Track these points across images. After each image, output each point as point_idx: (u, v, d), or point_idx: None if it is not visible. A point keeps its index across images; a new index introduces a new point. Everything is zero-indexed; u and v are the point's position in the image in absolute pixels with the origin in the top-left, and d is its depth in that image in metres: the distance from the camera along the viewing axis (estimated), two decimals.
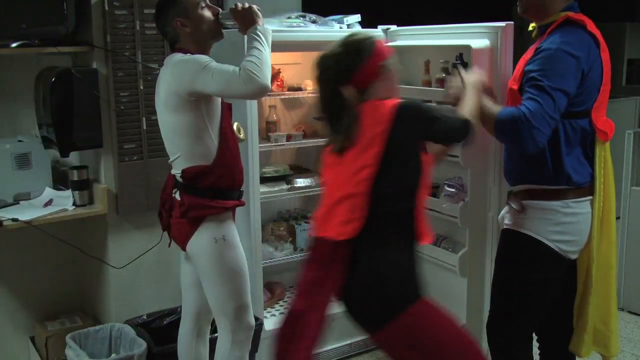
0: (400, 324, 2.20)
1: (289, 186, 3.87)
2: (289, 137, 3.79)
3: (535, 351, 2.80)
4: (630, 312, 4.08)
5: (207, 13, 2.66)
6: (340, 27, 3.72)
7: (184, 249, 2.76)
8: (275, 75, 3.78)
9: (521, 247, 2.56)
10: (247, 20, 2.62)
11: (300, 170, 4.12)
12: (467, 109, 2.39)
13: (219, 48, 2.79)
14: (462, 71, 2.62)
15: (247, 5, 2.63)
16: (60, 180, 3.46)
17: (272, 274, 4.09)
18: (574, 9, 2.51)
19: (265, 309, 3.73)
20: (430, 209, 3.39)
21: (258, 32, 2.57)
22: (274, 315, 3.81)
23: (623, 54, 7.76)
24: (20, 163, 3.28)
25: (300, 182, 3.89)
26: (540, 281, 2.57)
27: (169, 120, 2.63)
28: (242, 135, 3.16)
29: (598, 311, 2.64)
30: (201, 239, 2.66)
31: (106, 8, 3.12)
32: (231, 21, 2.67)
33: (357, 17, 3.79)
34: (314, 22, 3.68)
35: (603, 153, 2.52)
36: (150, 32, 3.24)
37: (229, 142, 2.68)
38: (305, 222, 4.04)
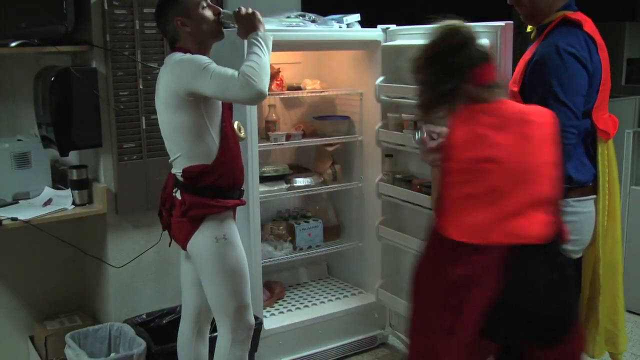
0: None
1: (288, 185, 3.87)
2: (288, 137, 3.79)
3: None
4: (629, 311, 4.07)
5: (208, 13, 2.66)
6: (340, 27, 3.72)
7: (184, 248, 2.76)
8: (275, 75, 3.78)
9: None
10: (249, 25, 2.61)
11: (299, 169, 4.12)
12: None
13: (218, 48, 2.79)
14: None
15: (250, 10, 2.63)
16: (59, 180, 3.46)
17: (271, 273, 4.09)
18: (571, 7, 2.51)
19: (264, 308, 3.73)
20: (429, 208, 3.39)
21: (259, 38, 2.57)
22: (273, 314, 3.81)
23: (622, 53, 7.75)
24: (20, 162, 3.28)
25: (300, 181, 3.90)
26: None
27: (169, 120, 2.63)
28: (242, 134, 3.16)
29: (607, 310, 2.64)
30: (202, 238, 2.66)
31: (105, 7, 3.12)
32: (233, 22, 2.67)
33: (356, 17, 3.79)
34: (313, 21, 3.69)
35: (606, 151, 2.52)
36: (150, 32, 3.24)
37: (229, 141, 2.68)
38: (305, 222, 4.04)
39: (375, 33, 3.70)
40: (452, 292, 2.12)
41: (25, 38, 3.07)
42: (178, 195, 2.71)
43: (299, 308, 3.91)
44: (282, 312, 3.86)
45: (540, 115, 2.13)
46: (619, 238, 2.63)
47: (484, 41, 3.04)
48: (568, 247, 2.50)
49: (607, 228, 2.58)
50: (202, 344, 2.97)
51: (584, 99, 2.40)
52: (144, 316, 3.38)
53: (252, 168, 3.39)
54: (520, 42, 2.84)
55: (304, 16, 3.71)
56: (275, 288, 4.02)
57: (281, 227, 3.96)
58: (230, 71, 2.48)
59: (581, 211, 2.50)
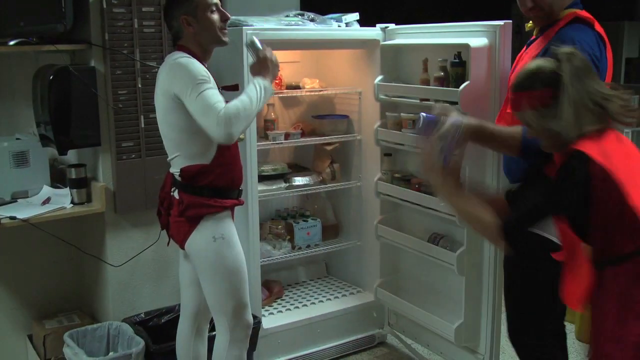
0: None
1: (287, 184, 3.87)
2: (287, 136, 3.79)
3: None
4: None
5: (215, 17, 2.65)
6: (339, 26, 3.72)
7: (182, 247, 2.76)
8: None
9: (537, 250, 2.50)
10: (262, 69, 2.62)
11: (298, 168, 4.12)
12: None
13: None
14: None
15: (274, 59, 2.64)
16: (58, 179, 3.46)
17: (270, 272, 4.09)
18: (579, 5, 2.51)
19: (263, 308, 3.73)
20: (428, 208, 3.40)
21: (262, 86, 2.57)
22: (272, 313, 3.81)
23: (621, 52, 7.77)
24: (18, 161, 3.28)
25: (298, 180, 3.90)
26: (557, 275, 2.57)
27: (167, 119, 2.63)
28: (242, 135, 3.16)
29: None
30: (200, 238, 2.66)
31: (104, 6, 3.12)
32: (253, 55, 2.67)
33: (355, 16, 3.79)
34: (312, 20, 3.69)
35: None
36: (149, 30, 3.24)
37: None
38: (304, 221, 4.04)
39: (374, 32, 3.70)
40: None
41: (24, 37, 3.06)
42: (176, 194, 2.71)
43: (297, 307, 3.91)
44: (280, 311, 3.86)
45: None
46: None
47: (483, 40, 3.06)
48: None
49: None
50: (201, 343, 2.97)
51: None
52: (143, 315, 3.38)
53: (251, 167, 3.39)
54: (519, 41, 2.84)
55: (302, 15, 3.72)
56: (273, 287, 4.02)
57: (280, 226, 3.96)
58: (216, 100, 2.48)
59: None
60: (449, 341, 3.39)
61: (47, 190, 3.34)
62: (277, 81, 3.80)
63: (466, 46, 3.07)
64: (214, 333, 2.83)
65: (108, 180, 3.30)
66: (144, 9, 3.21)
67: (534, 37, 2.69)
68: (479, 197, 2.23)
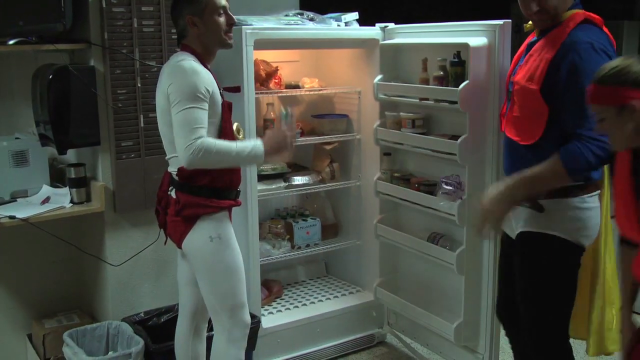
0: None
1: (287, 184, 3.87)
2: None
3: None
4: (633, 312, 4.07)
5: (222, 20, 2.64)
6: (338, 25, 3.73)
7: (179, 247, 2.75)
8: (273, 73, 3.78)
9: (551, 251, 2.52)
10: (278, 141, 2.62)
11: (297, 168, 4.12)
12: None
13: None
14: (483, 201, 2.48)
15: (289, 140, 2.65)
16: (57, 178, 3.46)
17: (269, 271, 4.09)
18: (579, 5, 2.51)
19: (262, 307, 3.73)
20: (427, 207, 3.40)
21: (256, 154, 2.56)
22: (271, 313, 3.81)
23: (621, 52, 7.79)
24: (18, 160, 3.27)
25: (298, 179, 3.89)
26: (573, 276, 2.57)
27: (166, 119, 2.62)
28: (241, 136, 3.17)
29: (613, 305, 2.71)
30: (196, 238, 2.66)
31: (103, 5, 3.12)
32: (271, 123, 2.69)
33: (354, 15, 3.80)
34: (311, 19, 3.69)
35: None
36: (148, 30, 3.24)
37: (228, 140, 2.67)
38: (303, 220, 4.04)
39: (373, 31, 3.70)
40: None
41: (24, 36, 3.06)
42: (173, 194, 2.70)
43: (297, 306, 3.91)
44: (280, 311, 3.86)
45: None
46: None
47: (482, 40, 3.06)
48: (584, 243, 2.53)
49: (607, 222, 2.61)
50: (200, 343, 2.97)
51: None
52: (142, 314, 3.38)
53: (250, 166, 3.39)
54: (519, 41, 2.84)
55: (302, 14, 3.72)
56: (273, 286, 4.02)
57: (279, 226, 3.96)
58: (200, 124, 2.48)
59: (593, 206, 2.52)
60: (449, 340, 3.39)
61: (46, 190, 3.34)
62: (276, 81, 3.80)
63: (465, 45, 3.07)
64: (212, 332, 2.83)
65: (107, 179, 3.30)
66: (143, 9, 3.21)
67: (531, 37, 2.68)
68: None
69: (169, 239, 2.82)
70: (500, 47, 3.02)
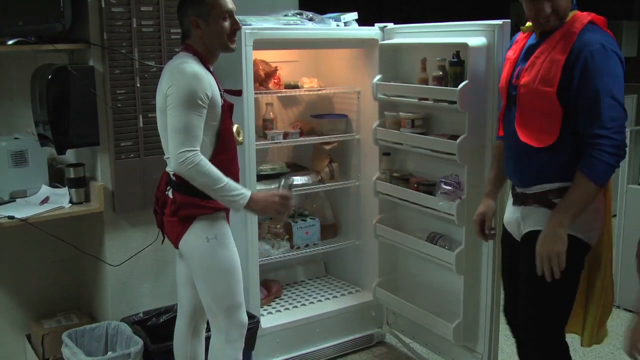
0: None
1: None
2: (285, 135, 3.79)
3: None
4: (626, 309, 4.09)
5: (226, 24, 2.63)
6: (337, 25, 3.73)
7: (176, 247, 2.75)
8: (272, 73, 3.78)
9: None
10: (270, 203, 2.61)
11: (297, 168, 4.12)
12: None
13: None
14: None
15: (282, 214, 2.65)
16: (56, 178, 3.46)
17: (268, 271, 4.09)
18: (576, 6, 2.53)
19: (261, 307, 3.73)
20: (427, 207, 3.40)
21: (238, 201, 2.54)
22: (270, 313, 3.81)
23: None
24: (17, 161, 3.27)
25: (297, 179, 3.89)
26: (578, 275, 2.60)
27: (164, 119, 2.61)
28: (240, 138, 3.16)
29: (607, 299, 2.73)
30: (193, 238, 2.66)
31: (103, 5, 3.12)
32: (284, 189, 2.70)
33: (354, 15, 3.80)
34: (310, 19, 3.69)
35: None
36: (147, 30, 3.23)
37: (225, 144, 2.67)
38: (302, 220, 4.04)
39: (372, 31, 3.70)
40: None
41: (23, 36, 3.05)
42: (170, 194, 2.70)
43: (296, 307, 3.91)
44: (279, 311, 3.86)
45: None
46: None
47: (481, 40, 3.06)
48: (593, 242, 2.56)
49: (607, 220, 2.63)
50: (199, 343, 2.97)
51: None
52: (141, 315, 3.38)
53: (250, 166, 3.39)
54: None
55: (301, 14, 3.72)
56: (272, 286, 4.02)
57: (278, 226, 3.95)
58: (195, 134, 2.49)
59: (600, 205, 2.56)
60: (448, 340, 3.39)
61: (45, 190, 3.34)
62: (275, 81, 3.80)
63: (465, 45, 3.07)
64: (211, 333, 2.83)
65: (107, 179, 3.30)
66: (142, 9, 3.21)
67: (523, 39, 2.67)
68: None
69: (166, 238, 2.82)
70: (499, 47, 3.02)
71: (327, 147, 4.07)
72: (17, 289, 3.52)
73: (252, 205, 2.57)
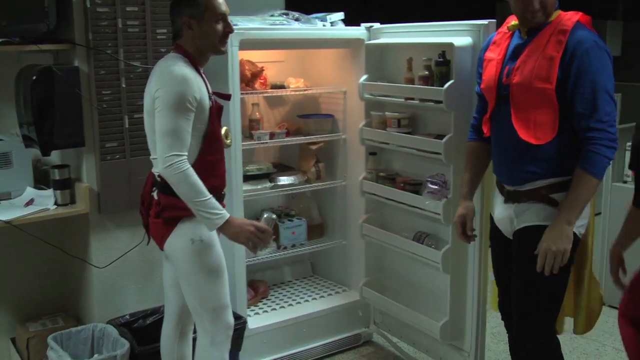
0: None
1: (272, 184, 3.86)
2: (272, 135, 3.79)
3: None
4: (611, 306, 4.11)
5: (219, 27, 2.61)
6: (324, 25, 3.73)
7: (161, 248, 2.73)
8: (259, 74, 3.77)
9: None
10: (238, 226, 2.56)
11: (283, 168, 4.12)
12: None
13: None
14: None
15: (259, 244, 2.62)
16: (41, 180, 3.43)
17: (255, 272, 4.09)
18: (559, 6, 2.56)
19: (248, 307, 3.72)
20: (413, 206, 3.41)
21: (216, 217, 2.50)
22: (257, 313, 3.81)
23: None
24: (1, 162, 3.24)
25: (284, 180, 3.89)
26: (570, 268, 2.64)
27: (151, 121, 2.59)
28: (228, 142, 3.16)
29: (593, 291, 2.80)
30: (178, 240, 2.64)
31: (88, 5, 3.10)
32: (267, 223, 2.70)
33: (340, 15, 3.80)
34: (297, 20, 3.69)
35: None
36: (133, 30, 3.22)
37: (212, 145, 2.65)
38: (289, 220, 4.04)
39: (358, 31, 3.70)
40: None
41: (6, 36, 3.03)
42: (155, 195, 2.68)
43: (283, 307, 3.91)
44: (266, 311, 3.86)
45: None
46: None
47: (467, 39, 3.07)
48: (581, 234, 2.59)
49: (592, 210, 2.68)
50: (186, 344, 2.95)
51: None
52: (128, 317, 3.36)
53: (236, 167, 3.38)
54: None
55: (287, 14, 3.72)
56: (259, 287, 4.01)
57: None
58: (183, 138, 2.48)
59: None
60: (435, 339, 3.40)
61: (30, 192, 3.31)
62: (261, 81, 3.79)
63: (450, 45, 3.08)
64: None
65: (92, 181, 3.28)
66: (128, 9, 3.19)
67: (506, 38, 2.68)
68: None
69: (151, 240, 2.81)
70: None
71: (314, 147, 4.07)
72: (1, 291, 3.49)
73: (226, 227, 2.53)
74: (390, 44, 3.63)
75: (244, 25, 3.37)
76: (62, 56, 3.28)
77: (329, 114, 4.06)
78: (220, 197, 2.74)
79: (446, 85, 3.08)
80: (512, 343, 2.87)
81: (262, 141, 3.74)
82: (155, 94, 2.51)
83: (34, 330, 3.38)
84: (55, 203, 3.25)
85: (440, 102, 3.12)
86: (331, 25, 3.75)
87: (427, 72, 3.29)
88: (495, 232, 2.81)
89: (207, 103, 2.60)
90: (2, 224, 3.00)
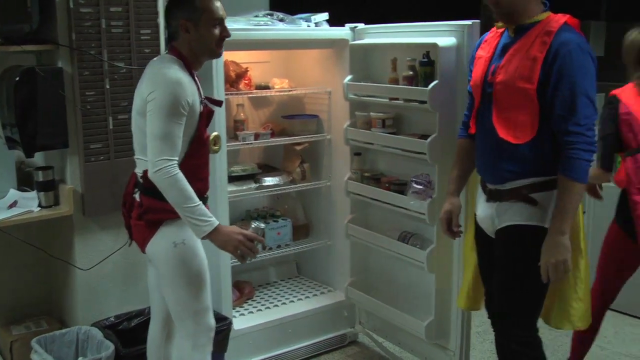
0: None
1: (257, 185, 3.86)
2: (256, 136, 3.78)
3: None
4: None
5: (216, 31, 2.60)
6: (308, 26, 3.73)
7: (143, 251, 2.71)
8: (243, 74, 3.77)
9: (542, 243, 2.54)
10: (226, 233, 2.53)
11: (268, 168, 4.12)
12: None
13: None
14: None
15: (246, 253, 2.57)
16: (25, 182, 3.40)
17: (240, 273, 4.09)
18: (548, 8, 2.58)
19: (234, 308, 3.72)
20: (398, 206, 3.42)
21: (204, 224, 2.48)
22: (242, 314, 3.80)
23: None
24: None
25: (269, 180, 3.89)
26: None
27: (138, 122, 2.58)
28: (216, 147, 3.15)
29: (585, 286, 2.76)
30: (160, 243, 2.62)
31: (71, 6, 3.08)
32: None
33: (324, 16, 3.80)
34: (281, 20, 3.69)
35: None
36: (117, 31, 3.20)
37: (199, 149, 2.63)
38: (274, 221, 4.03)
39: (343, 32, 3.71)
40: None
41: None
42: (137, 196, 2.67)
43: (268, 307, 3.91)
44: (251, 312, 3.85)
45: None
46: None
47: (451, 40, 3.09)
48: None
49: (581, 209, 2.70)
50: (172, 347, 2.94)
51: None
52: (112, 319, 3.34)
53: (221, 168, 3.38)
54: None
55: (272, 15, 3.71)
56: (244, 288, 4.01)
57: (250, 227, 3.94)
58: (175, 143, 2.46)
59: None
60: (420, 338, 3.41)
61: (13, 194, 3.28)
62: (246, 82, 3.79)
63: (434, 46, 3.10)
64: None
65: (76, 182, 3.26)
66: (111, 9, 3.18)
67: (494, 39, 2.70)
68: None
69: (134, 242, 2.79)
70: (468, 47, 3.05)
71: (299, 147, 4.07)
72: None
73: (214, 235, 2.51)
74: (375, 45, 3.64)
75: (228, 25, 3.35)
76: (45, 57, 3.26)
77: (314, 114, 4.06)
78: (203, 200, 2.72)
79: (430, 86, 3.09)
80: (498, 342, 2.88)
81: (247, 142, 3.74)
82: (149, 96, 2.48)
83: (18, 333, 3.36)
84: (39, 205, 3.23)
85: (424, 102, 3.14)
86: (315, 26, 3.76)
87: (411, 73, 3.30)
88: (478, 230, 2.83)
89: (197, 108, 2.58)
90: None
